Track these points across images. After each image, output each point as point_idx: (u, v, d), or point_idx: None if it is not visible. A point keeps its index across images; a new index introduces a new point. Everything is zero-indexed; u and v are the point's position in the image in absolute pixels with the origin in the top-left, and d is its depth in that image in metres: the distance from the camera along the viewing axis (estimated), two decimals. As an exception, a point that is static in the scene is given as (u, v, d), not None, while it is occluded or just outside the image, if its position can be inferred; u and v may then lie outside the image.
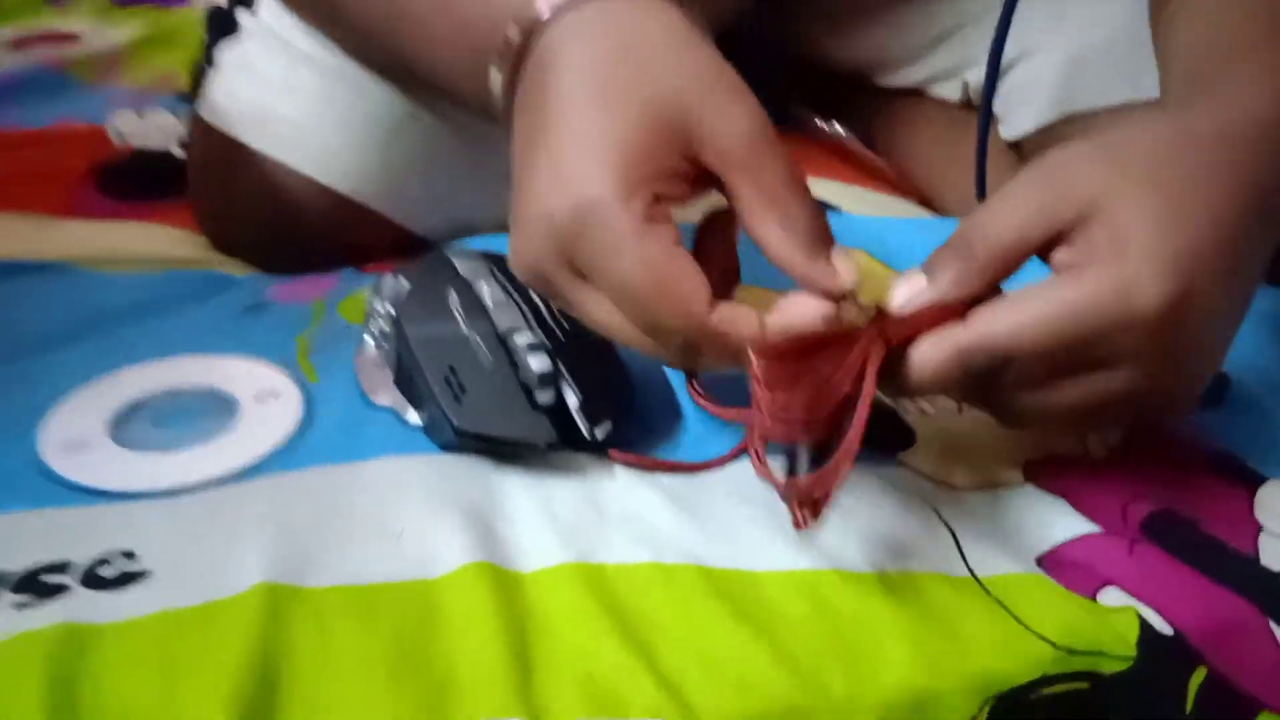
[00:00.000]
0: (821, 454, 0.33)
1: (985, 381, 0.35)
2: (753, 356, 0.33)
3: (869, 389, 0.33)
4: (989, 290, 0.35)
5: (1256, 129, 0.36)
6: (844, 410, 0.33)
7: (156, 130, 0.71)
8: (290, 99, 0.55)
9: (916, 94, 0.68)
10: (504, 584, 0.35)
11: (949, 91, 0.66)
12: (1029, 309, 0.34)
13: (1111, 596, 0.36)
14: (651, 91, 0.35)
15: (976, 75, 0.64)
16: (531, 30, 0.37)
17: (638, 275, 0.33)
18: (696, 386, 0.40)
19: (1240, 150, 0.36)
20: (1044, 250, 0.35)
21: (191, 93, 0.61)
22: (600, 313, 0.36)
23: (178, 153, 0.68)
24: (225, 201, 0.59)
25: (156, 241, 0.61)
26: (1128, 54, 0.56)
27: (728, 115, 0.35)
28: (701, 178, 0.36)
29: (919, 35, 0.65)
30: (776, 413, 0.33)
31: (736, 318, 0.34)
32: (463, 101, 0.42)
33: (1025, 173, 0.36)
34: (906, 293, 0.35)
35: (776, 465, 0.34)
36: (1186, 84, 0.40)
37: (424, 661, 0.33)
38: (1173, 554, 0.37)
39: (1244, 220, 0.35)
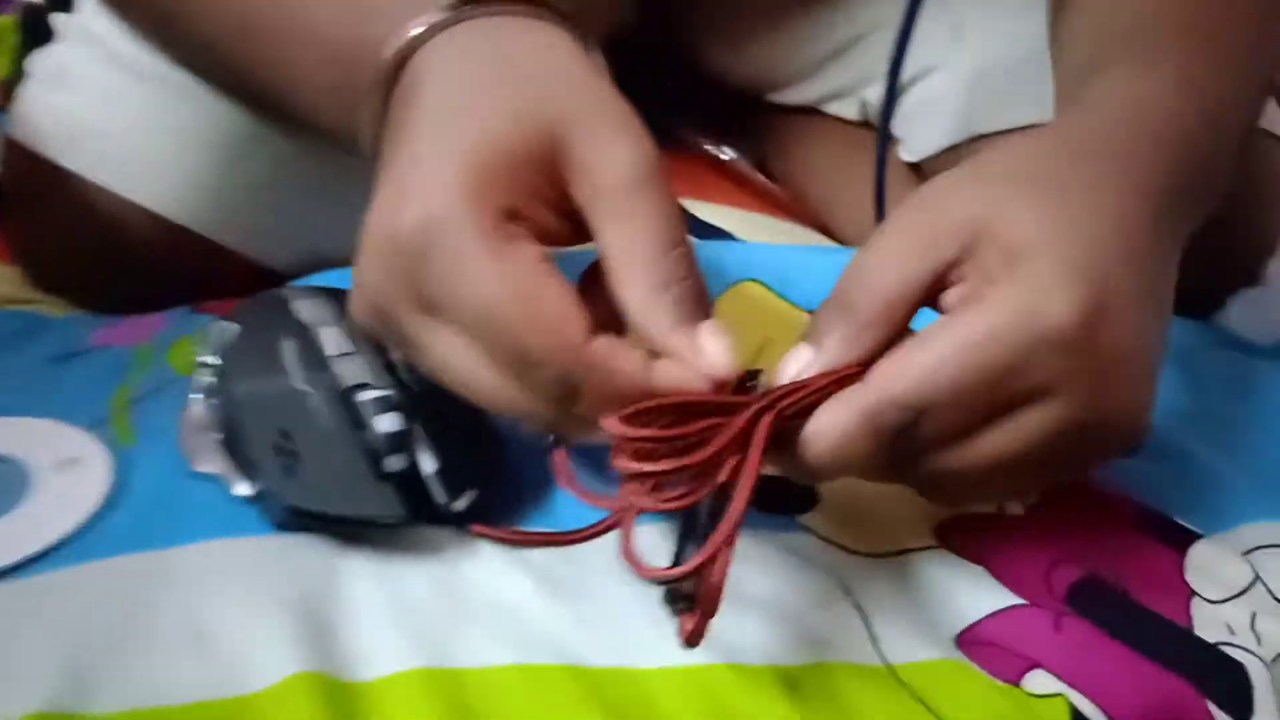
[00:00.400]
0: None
1: (899, 446, 0.30)
2: (614, 425, 0.28)
3: (753, 462, 0.28)
4: (882, 348, 0.31)
5: (1141, 127, 0.34)
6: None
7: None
8: (111, 112, 0.48)
9: (812, 112, 0.64)
10: (336, 697, 0.29)
11: (846, 110, 0.62)
12: (933, 350, 0.30)
13: (1038, 681, 0.32)
14: (523, 108, 0.30)
15: (875, 93, 0.60)
16: (405, 52, 0.32)
17: (498, 295, 0.28)
18: (562, 463, 0.33)
19: (1128, 154, 0.33)
20: (932, 293, 0.31)
21: (2, 107, 0.54)
22: (453, 355, 0.30)
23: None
24: (40, 231, 0.51)
25: (-37, 276, 0.53)
26: (1034, 71, 0.53)
27: (607, 149, 0.30)
28: (573, 217, 0.31)
29: (814, 49, 0.62)
30: (644, 492, 0.28)
31: (618, 351, 0.29)
32: (327, 135, 0.37)
33: (897, 212, 0.32)
34: (794, 369, 0.31)
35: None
36: (1071, 90, 0.38)
37: (235, 803, 0.27)
38: (1102, 627, 0.33)
39: (1144, 221, 0.32)
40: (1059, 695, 0.31)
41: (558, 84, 0.31)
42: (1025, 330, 0.29)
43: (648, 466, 0.28)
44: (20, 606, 0.32)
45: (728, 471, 0.28)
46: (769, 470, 0.31)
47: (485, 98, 0.30)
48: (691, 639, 0.28)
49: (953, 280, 0.31)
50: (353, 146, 0.35)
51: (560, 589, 0.33)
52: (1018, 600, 0.34)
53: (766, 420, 0.29)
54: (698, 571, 0.27)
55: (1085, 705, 0.31)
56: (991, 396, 0.30)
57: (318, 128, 0.37)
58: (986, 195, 0.31)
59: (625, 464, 0.28)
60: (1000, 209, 0.31)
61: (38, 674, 0.29)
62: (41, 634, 0.30)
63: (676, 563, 0.29)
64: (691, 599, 0.28)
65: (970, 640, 0.33)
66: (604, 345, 0.29)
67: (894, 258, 0.31)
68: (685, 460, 0.28)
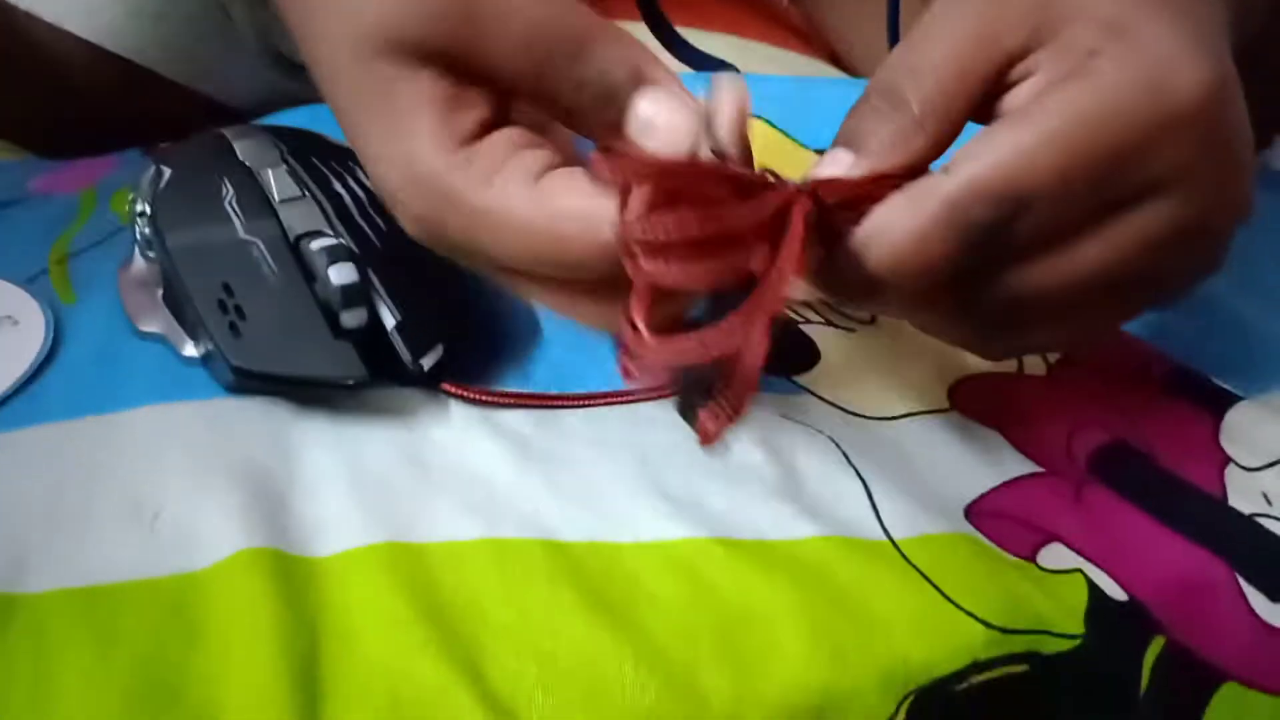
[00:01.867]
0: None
1: (979, 256, 0.25)
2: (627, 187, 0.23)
3: (795, 235, 0.23)
4: (935, 153, 0.26)
5: None
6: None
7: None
8: (35, -72, 0.43)
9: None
10: (290, 575, 0.27)
11: (864, -76, 0.56)
12: (1037, 128, 0.24)
13: (1054, 555, 0.29)
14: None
15: (896, -95, 0.54)
16: None
17: (517, 243, 0.25)
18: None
19: None
20: (993, 92, 0.26)
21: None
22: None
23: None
24: (-28, 66, 0.47)
25: (-101, 117, 0.49)
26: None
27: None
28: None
29: None
30: (659, 270, 0.23)
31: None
32: None
33: None
34: (828, 173, 0.26)
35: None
36: None
37: (177, 686, 0.25)
38: (1127, 497, 0.30)
39: (1220, 7, 0.27)
40: (1075, 570, 0.29)
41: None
42: (1150, 105, 0.24)
43: (667, 232, 0.22)
44: (-55, 478, 0.29)
45: (760, 259, 0.23)
46: (802, 291, 0.26)
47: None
48: (710, 438, 0.23)
49: (1017, 78, 0.26)
50: None
51: (535, 456, 0.31)
52: (1035, 468, 0.31)
53: (804, 199, 0.24)
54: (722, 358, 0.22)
55: (1105, 581, 0.29)
56: (1103, 189, 0.25)
57: None
58: None
59: (637, 228, 0.23)
60: None
61: (-38, 551, 0.27)
62: (-32, 507, 0.28)
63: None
64: (709, 391, 0.23)
65: (982, 512, 0.30)
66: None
67: (952, 44, 0.26)
68: (725, 218, 0.23)
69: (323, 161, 0.35)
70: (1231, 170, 0.26)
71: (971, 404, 0.33)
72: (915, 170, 0.26)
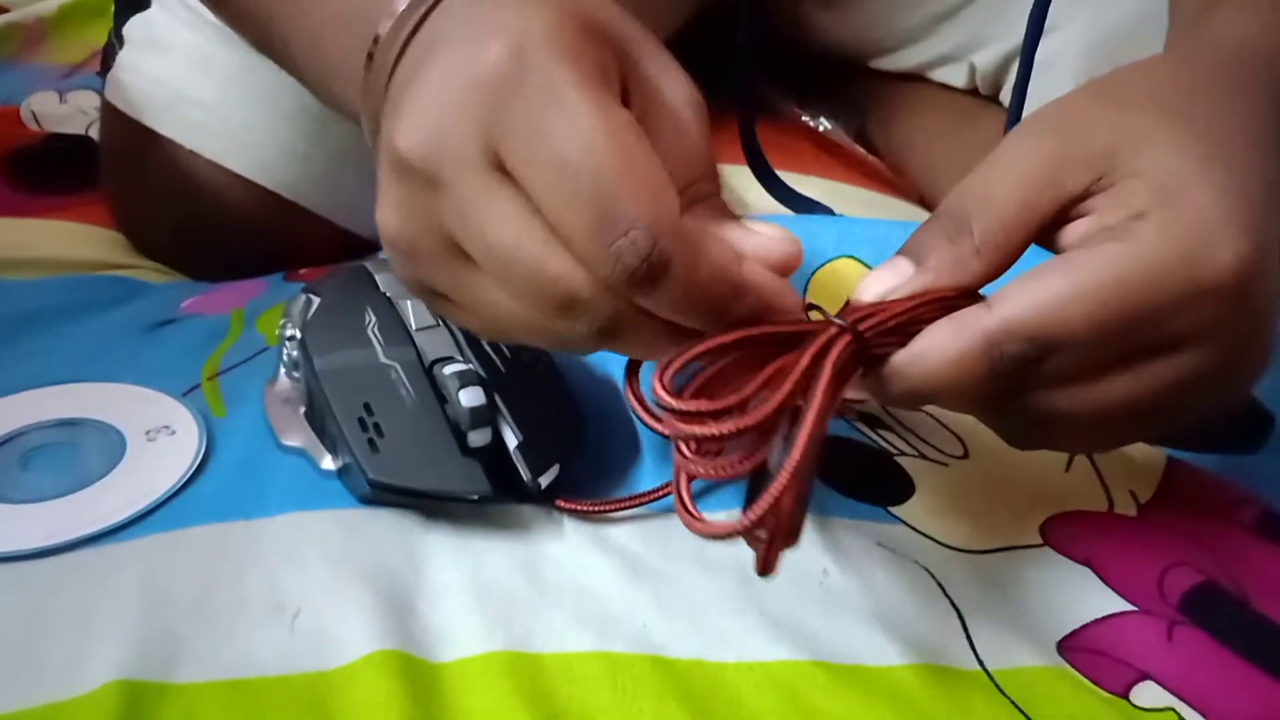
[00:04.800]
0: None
1: (1012, 381, 0.27)
2: (662, 394, 0.25)
3: (815, 410, 0.25)
4: (989, 278, 0.28)
5: (1255, 65, 0.31)
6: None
7: (77, 113, 0.64)
8: (203, 80, 0.48)
9: (916, 78, 0.61)
10: (416, 677, 0.29)
11: (953, 77, 0.59)
12: (1074, 280, 0.26)
13: (1148, 694, 0.30)
14: (590, 10, 0.27)
15: (984, 58, 0.58)
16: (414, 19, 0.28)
17: (596, 137, 0.24)
18: (635, 389, 0.28)
19: (1247, 89, 0.30)
20: (1052, 227, 0.28)
21: (103, 73, 0.54)
22: (509, 224, 0.25)
23: (96, 137, 0.61)
24: (137, 196, 0.52)
25: (68, 241, 0.54)
26: (1153, 31, 0.49)
27: (668, 72, 0.28)
28: None
29: (922, 10, 0.59)
30: (700, 443, 0.25)
31: (710, 233, 0.26)
32: (336, 107, 0.33)
33: (1023, 132, 0.29)
34: (886, 281, 0.28)
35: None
36: (1184, 25, 0.35)
37: (314, 780, 0.27)
38: (1219, 639, 0.31)
39: (1270, 158, 0.29)
40: (1169, 710, 0.29)
41: (613, 10, 0.28)
42: (1183, 276, 0.26)
43: (698, 429, 0.25)
44: (107, 572, 0.32)
45: (787, 422, 0.25)
46: (853, 395, 0.28)
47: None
48: (763, 569, 0.25)
49: (1075, 215, 0.28)
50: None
51: (644, 575, 0.32)
52: (1127, 606, 0.32)
53: (834, 354, 0.26)
54: (759, 522, 0.24)
55: (1198, 721, 0.29)
56: (1129, 341, 0.27)
57: (328, 100, 0.34)
58: (1124, 124, 0.28)
59: (675, 426, 0.25)
60: (1142, 137, 0.28)
61: (121, 642, 0.29)
62: (126, 601, 0.31)
63: (748, 501, 0.26)
64: (752, 534, 0.25)
65: (1075, 647, 0.31)
66: (696, 223, 0.26)
67: (1017, 181, 0.28)
68: (742, 422, 0.25)
69: (453, 292, 0.38)
70: (1256, 333, 0.28)
71: (1063, 540, 0.34)
72: (966, 291, 0.28)
